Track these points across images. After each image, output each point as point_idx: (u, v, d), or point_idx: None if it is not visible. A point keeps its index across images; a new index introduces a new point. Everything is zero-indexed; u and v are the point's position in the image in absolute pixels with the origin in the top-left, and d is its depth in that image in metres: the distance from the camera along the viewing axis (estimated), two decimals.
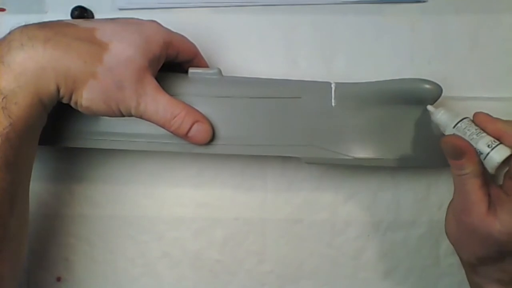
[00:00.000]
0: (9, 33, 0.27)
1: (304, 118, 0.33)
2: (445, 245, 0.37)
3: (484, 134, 0.29)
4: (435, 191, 0.38)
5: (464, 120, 0.30)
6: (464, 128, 0.29)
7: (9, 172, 0.26)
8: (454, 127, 0.30)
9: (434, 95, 0.32)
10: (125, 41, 0.28)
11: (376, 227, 0.38)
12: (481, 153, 0.28)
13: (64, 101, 0.28)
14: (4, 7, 0.39)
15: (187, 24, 0.38)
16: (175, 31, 0.32)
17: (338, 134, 0.33)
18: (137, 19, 0.31)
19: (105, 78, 0.27)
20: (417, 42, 0.38)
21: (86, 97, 0.28)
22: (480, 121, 0.29)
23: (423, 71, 0.38)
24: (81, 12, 0.37)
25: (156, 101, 0.29)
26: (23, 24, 0.27)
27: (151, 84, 0.29)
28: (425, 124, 0.33)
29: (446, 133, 0.31)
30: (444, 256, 0.37)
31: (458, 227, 0.31)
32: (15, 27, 0.27)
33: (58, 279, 0.38)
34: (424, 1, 0.38)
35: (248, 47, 0.38)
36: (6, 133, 0.25)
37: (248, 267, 0.38)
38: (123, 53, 0.28)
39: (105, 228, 0.38)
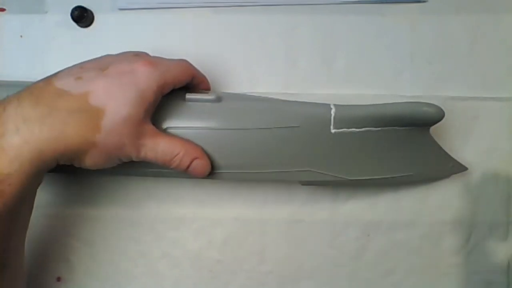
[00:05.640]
0: (4, 109, 0.26)
1: (302, 145, 0.32)
2: (445, 245, 0.37)
3: None
4: (435, 191, 0.37)
5: None
6: None
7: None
8: None
9: (435, 118, 0.32)
10: (120, 100, 0.28)
11: (376, 227, 0.38)
12: None
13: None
14: (4, 7, 0.39)
15: (187, 24, 0.38)
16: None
17: (337, 158, 0.33)
18: (129, 62, 0.29)
19: (105, 143, 0.28)
20: (417, 42, 0.38)
21: (88, 162, 0.29)
22: None
23: (423, 71, 0.38)
24: (81, 12, 0.37)
25: (155, 147, 0.30)
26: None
27: (148, 132, 0.29)
28: (424, 143, 0.34)
29: None
30: (444, 256, 0.37)
31: None
32: (9, 96, 0.27)
33: (58, 279, 0.38)
34: (424, 1, 0.38)
35: (248, 47, 0.38)
36: None
37: (248, 267, 0.38)
38: (120, 113, 0.28)
39: (106, 228, 0.38)
